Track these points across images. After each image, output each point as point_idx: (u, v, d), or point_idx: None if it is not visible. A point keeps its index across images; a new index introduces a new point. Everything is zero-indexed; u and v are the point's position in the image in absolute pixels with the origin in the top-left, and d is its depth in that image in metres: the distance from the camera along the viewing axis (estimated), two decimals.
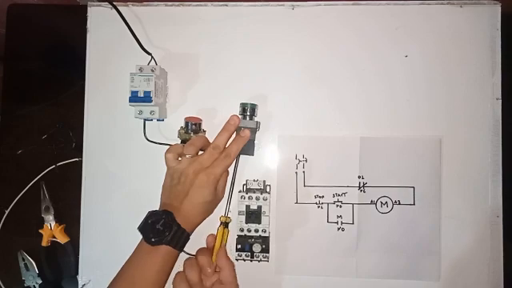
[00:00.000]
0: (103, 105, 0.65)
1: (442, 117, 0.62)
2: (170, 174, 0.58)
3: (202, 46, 0.64)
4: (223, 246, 0.60)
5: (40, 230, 0.65)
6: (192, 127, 0.60)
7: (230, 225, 0.61)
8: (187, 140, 0.60)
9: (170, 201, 0.56)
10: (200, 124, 0.61)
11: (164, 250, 0.52)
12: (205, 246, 0.61)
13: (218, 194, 0.59)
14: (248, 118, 0.60)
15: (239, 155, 0.61)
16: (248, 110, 0.60)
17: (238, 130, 0.60)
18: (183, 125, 0.62)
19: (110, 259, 0.63)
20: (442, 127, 0.62)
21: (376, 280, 0.62)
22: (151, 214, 0.54)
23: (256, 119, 0.61)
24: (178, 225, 0.53)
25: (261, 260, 0.60)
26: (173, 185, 0.57)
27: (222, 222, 0.60)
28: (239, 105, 0.61)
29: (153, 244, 0.52)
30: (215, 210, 0.61)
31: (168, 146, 0.61)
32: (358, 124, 0.63)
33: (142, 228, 0.54)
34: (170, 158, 0.57)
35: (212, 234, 0.61)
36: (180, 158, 0.58)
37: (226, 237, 0.60)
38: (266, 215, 0.61)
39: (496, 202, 0.61)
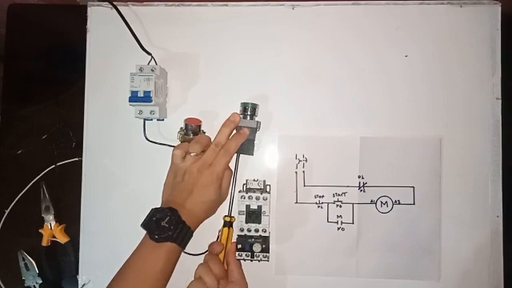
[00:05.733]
0: (103, 105, 0.65)
1: (441, 117, 0.62)
2: (173, 171, 0.58)
3: (202, 46, 0.64)
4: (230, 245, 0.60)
5: (40, 230, 0.65)
6: (191, 129, 0.60)
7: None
8: (187, 141, 0.60)
9: (174, 198, 0.56)
10: (200, 126, 0.61)
11: (168, 246, 0.52)
12: (205, 244, 0.61)
13: (221, 193, 0.59)
14: (249, 118, 0.60)
15: (239, 154, 0.61)
16: (249, 110, 0.60)
17: (238, 129, 0.60)
18: (183, 126, 0.61)
19: (109, 259, 0.63)
20: (442, 127, 0.62)
21: (376, 280, 0.62)
22: (156, 211, 0.54)
23: (256, 119, 0.61)
24: (184, 222, 0.53)
25: (261, 260, 0.60)
26: (176, 182, 0.57)
27: (226, 222, 0.60)
28: (240, 104, 0.61)
29: (157, 241, 0.52)
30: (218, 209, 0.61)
31: (168, 147, 0.61)
32: (358, 124, 0.63)
33: (147, 225, 0.54)
34: (178, 154, 0.57)
35: (214, 242, 0.61)
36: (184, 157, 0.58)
37: (231, 236, 0.60)
38: (266, 215, 0.61)
39: (496, 202, 0.61)
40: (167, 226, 0.52)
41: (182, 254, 0.57)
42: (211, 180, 0.56)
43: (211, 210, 0.59)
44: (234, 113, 0.60)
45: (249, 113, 0.60)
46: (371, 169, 0.62)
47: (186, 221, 0.54)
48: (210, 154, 0.57)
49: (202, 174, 0.56)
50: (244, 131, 0.60)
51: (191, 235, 0.55)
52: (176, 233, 0.52)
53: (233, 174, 0.61)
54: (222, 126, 0.59)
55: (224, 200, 0.61)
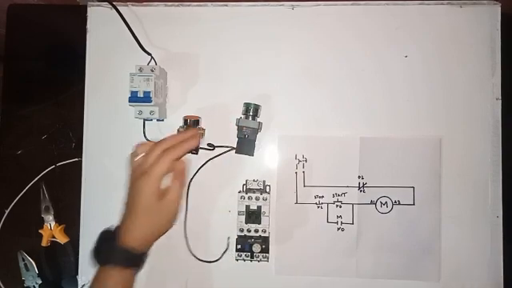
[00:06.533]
0: (103, 105, 0.65)
1: (441, 117, 0.62)
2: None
3: (202, 46, 0.64)
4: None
5: (40, 230, 0.65)
6: (191, 123, 0.60)
7: (229, 224, 0.62)
8: None
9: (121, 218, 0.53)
10: (198, 121, 0.61)
11: (109, 269, 0.49)
12: (204, 251, 0.61)
13: (164, 205, 0.52)
14: (250, 118, 0.60)
15: (238, 154, 0.61)
16: (251, 111, 0.60)
17: (240, 129, 0.60)
18: (182, 124, 0.61)
19: None
20: (442, 127, 0.62)
21: (376, 280, 0.62)
22: (99, 236, 0.53)
23: (258, 120, 0.61)
24: (114, 243, 0.50)
25: (261, 260, 0.60)
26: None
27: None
28: (243, 104, 0.61)
29: (99, 265, 0.50)
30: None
31: None
32: (358, 124, 0.63)
33: (92, 251, 0.52)
34: (130, 161, 0.54)
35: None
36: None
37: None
38: (265, 215, 0.60)
39: (496, 202, 0.61)
40: (99, 249, 0.51)
41: (182, 256, 0.57)
42: (144, 194, 0.50)
43: (155, 227, 0.52)
44: (193, 129, 0.58)
45: (251, 113, 0.60)
46: (371, 169, 0.62)
47: (125, 240, 0.50)
48: (145, 160, 0.51)
49: (133, 185, 0.51)
50: (193, 139, 0.54)
51: (131, 254, 0.50)
52: (105, 255, 0.50)
53: (184, 186, 0.55)
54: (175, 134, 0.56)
55: (174, 214, 0.53)
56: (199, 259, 0.61)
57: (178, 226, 0.62)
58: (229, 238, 0.62)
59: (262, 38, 0.64)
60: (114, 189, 0.64)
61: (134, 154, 0.54)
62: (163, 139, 0.53)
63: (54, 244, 0.66)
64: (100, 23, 0.65)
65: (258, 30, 0.64)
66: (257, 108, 0.60)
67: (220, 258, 0.62)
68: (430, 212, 0.62)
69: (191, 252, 0.61)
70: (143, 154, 0.52)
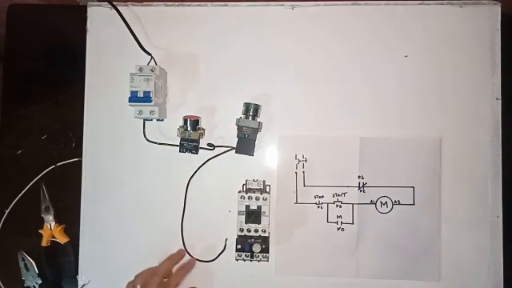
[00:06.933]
0: (103, 105, 0.65)
1: (441, 117, 0.62)
2: None
3: (202, 46, 0.64)
4: None
5: (40, 230, 0.65)
6: (191, 123, 0.60)
7: (229, 224, 0.62)
8: (186, 138, 0.60)
9: None
10: (198, 121, 0.61)
11: None
12: (204, 251, 0.61)
13: None
14: (250, 118, 0.60)
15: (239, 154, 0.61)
16: (251, 110, 0.60)
17: (240, 129, 0.60)
18: (182, 124, 0.61)
19: (109, 259, 0.63)
20: (442, 127, 0.62)
21: (376, 280, 0.62)
22: None
23: (258, 120, 0.61)
24: None
25: (261, 260, 0.60)
26: None
27: None
28: (243, 104, 0.61)
29: None
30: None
31: (168, 146, 0.61)
32: (358, 124, 0.63)
33: None
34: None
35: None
36: None
37: None
38: (265, 215, 0.60)
39: (496, 202, 0.61)
40: None
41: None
42: None
43: None
44: (180, 249, 0.61)
45: (251, 113, 0.60)
46: (371, 169, 0.62)
47: None
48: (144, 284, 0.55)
49: None
50: (190, 265, 0.61)
51: None
52: None
53: None
54: (167, 258, 0.60)
55: None
56: (194, 258, 0.61)
57: (176, 226, 0.62)
58: (226, 239, 0.62)
59: (262, 38, 0.64)
60: (114, 189, 0.64)
61: (132, 284, 0.55)
62: (158, 267, 0.58)
63: (54, 244, 0.66)
64: (100, 23, 0.65)
65: (258, 30, 0.64)
66: (257, 108, 0.60)
67: (216, 258, 0.62)
68: (430, 212, 0.62)
69: (187, 250, 0.61)
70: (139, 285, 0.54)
